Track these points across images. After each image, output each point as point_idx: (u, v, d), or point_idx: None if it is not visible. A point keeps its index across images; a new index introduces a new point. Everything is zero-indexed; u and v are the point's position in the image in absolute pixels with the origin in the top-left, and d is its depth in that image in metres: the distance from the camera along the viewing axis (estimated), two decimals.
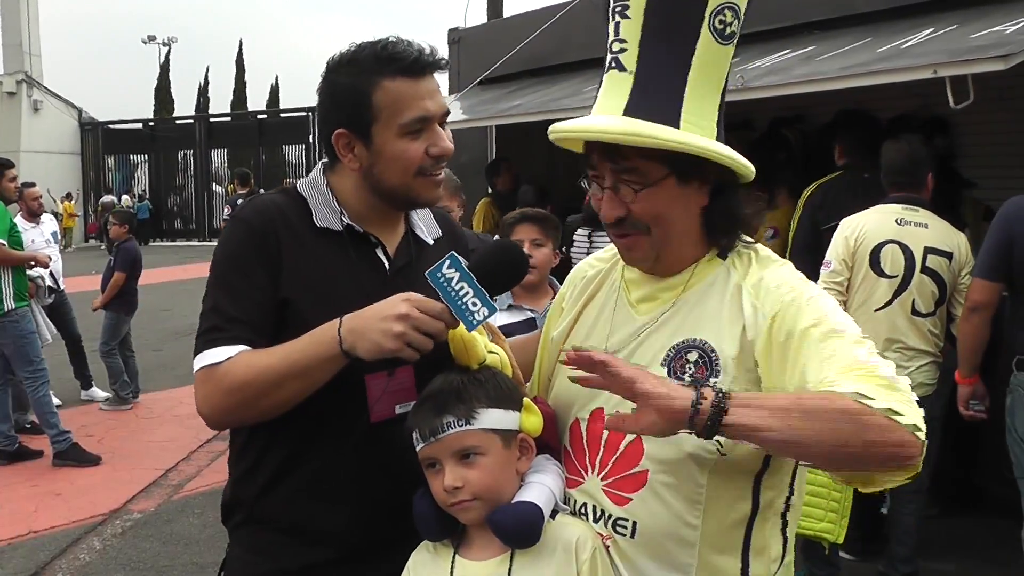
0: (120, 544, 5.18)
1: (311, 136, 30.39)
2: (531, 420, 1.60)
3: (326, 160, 1.85)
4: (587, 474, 1.58)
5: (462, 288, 1.55)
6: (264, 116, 35.57)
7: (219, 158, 34.12)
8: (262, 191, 1.86)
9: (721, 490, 1.48)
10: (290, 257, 1.73)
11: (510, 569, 1.51)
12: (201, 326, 1.72)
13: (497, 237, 3.92)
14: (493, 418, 1.55)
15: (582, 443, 1.60)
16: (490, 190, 7.77)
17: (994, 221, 3.65)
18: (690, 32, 1.47)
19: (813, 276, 3.60)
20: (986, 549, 4.62)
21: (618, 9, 1.50)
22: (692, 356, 1.50)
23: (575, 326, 1.71)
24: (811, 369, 1.37)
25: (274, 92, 48.92)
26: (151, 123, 37.24)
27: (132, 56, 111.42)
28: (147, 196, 32.99)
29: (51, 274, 7.34)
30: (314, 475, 1.75)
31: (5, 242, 6.40)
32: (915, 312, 4.00)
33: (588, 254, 5.89)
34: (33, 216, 7.87)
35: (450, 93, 8.34)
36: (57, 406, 6.85)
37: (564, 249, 5.27)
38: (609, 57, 1.52)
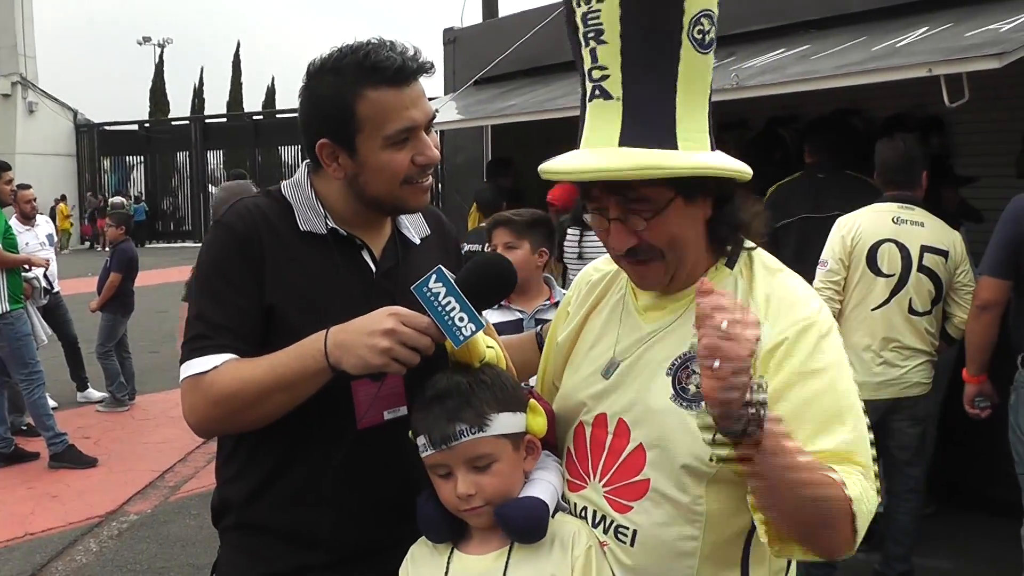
0: (116, 546, 5.18)
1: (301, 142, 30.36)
2: (537, 421, 1.59)
3: (310, 161, 1.81)
4: (589, 479, 1.57)
5: (449, 303, 1.52)
6: (260, 117, 35.55)
7: (215, 159, 34.09)
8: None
9: (720, 501, 1.47)
10: (274, 262, 1.70)
11: (507, 564, 1.52)
12: (187, 333, 1.69)
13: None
14: (504, 423, 1.54)
15: (585, 448, 1.59)
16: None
17: (1001, 218, 3.62)
18: (671, 49, 1.41)
19: None
20: (982, 547, 4.62)
21: (591, 35, 1.43)
22: (697, 367, 1.49)
23: (582, 331, 1.69)
24: (804, 429, 1.38)
25: (270, 93, 48.79)
26: (146, 124, 37.22)
27: (127, 58, 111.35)
28: (143, 198, 32.95)
29: (45, 276, 7.33)
30: (302, 481, 1.73)
31: None
32: (912, 311, 4.00)
33: (578, 255, 5.83)
34: (27, 219, 7.86)
35: (445, 93, 8.34)
36: (53, 408, 6.85)
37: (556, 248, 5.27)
38: (591, 85, 1.45)
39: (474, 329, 1.53)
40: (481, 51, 7.87)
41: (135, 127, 35.75)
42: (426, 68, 1.72)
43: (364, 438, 1.71)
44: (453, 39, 8.55)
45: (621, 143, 1.41)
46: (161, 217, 34.09)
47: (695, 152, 1.43)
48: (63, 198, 29.92)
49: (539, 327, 2.09)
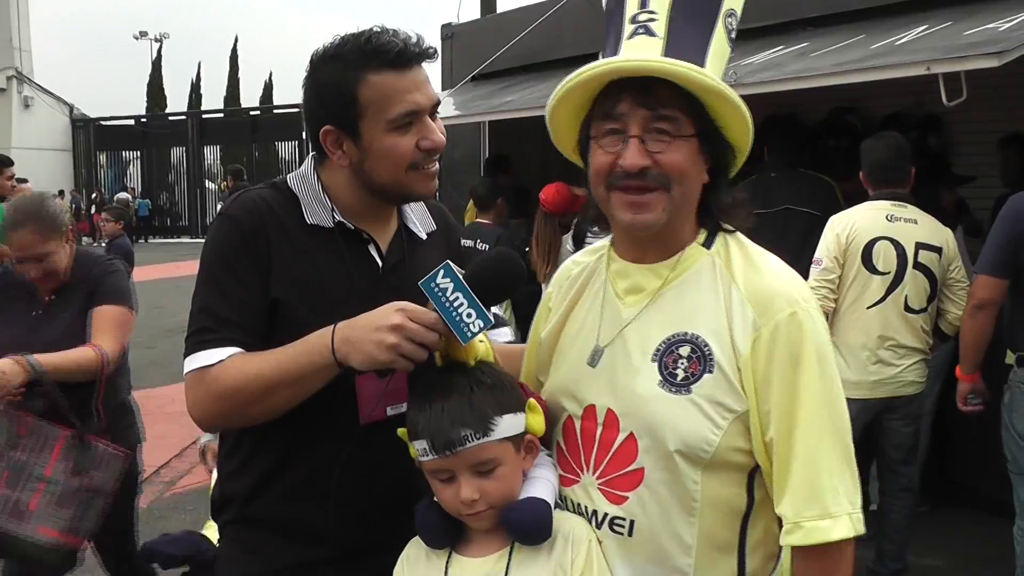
0: None
1: (304, 133, 30.32)
2: (537, 420, 1.58)
3: (316, 154, 1.80)
4: (582, 473, 1.56)
5: (456, 299, 1.50)
6: (257, 112, 35.54)
7: (212, 155, 34.08)
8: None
9: (716, 487, 1.47)
10: (280, 256, 1.69)
11: (508, 565, 1.50)
12: (191, 326, 1.68)
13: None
14: (507, 425, 1.52)
15: (576, 441, 1.58)
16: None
17: (999, 217, 3.62)
18: (709, 22, 1.49)
19: None
20: (976, 545, 4.63)
21: None
22: (684, 351, 1.49)
23: (565, 325, 1.69)
24: (797, 459, 1.43)
25: (267, 88, 48.79)
26: (143, 119, 37.15)
27: (124, 52, 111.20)
28: (139, 193, 32.92)
29: None
30: (304, 476, 1.73)
31: None
32: (908, 309, 4.00)
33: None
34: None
35: (443, 88, 8.32)
36: None
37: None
38: (633, 27, 1.49)
39: (482, 326, 1.51)
40: (479, 47, 7.87)
41: (131, 122, 35.71)
42: (429, 54, 1.72)
43: (368, 434, 1.70)
44: (451, 34, 8.54)
45: (664, 55, 1.47)
46: (158, 213, 34.02)
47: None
48: (61, 193, 29.82)
49: None
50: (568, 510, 1.58)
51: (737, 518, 1.50)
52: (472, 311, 1.50)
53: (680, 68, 1.42)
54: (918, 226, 4.02)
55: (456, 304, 1.50)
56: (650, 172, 1.46)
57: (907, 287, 3.98)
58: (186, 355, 1.67)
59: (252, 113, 35.55)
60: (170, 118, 37.14)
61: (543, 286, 5.85)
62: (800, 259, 3.94)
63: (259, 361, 1.62)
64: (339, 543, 1.73)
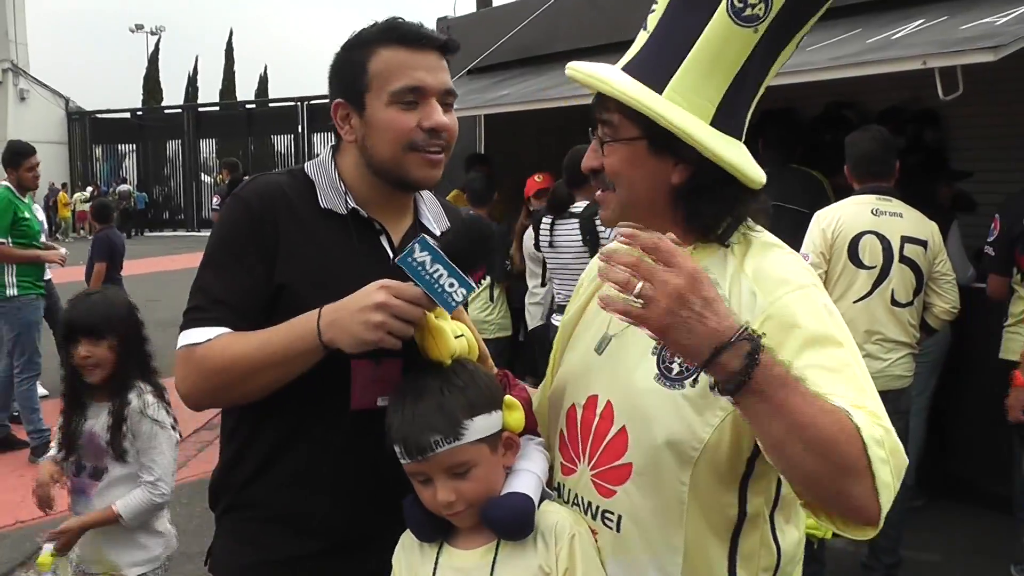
0: None
1: (300, 126, 30.28)
2: (514, 416, 1.57)
3: (335, 143, 1.82)
4: (579, 462, 1.55)
5: (436, 270, 1.51)
6: (253, 106, 35.46)
7: (208, 148, 34.01)
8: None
9: (705, 491, 1.44)
10: (288, 243, 1.69)
11: (494, 560, 1.50)
12: (188, 302, 1.70)
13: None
14: (479, 427, 1.50)
15: (576, 430, 1.57)
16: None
17: (998, 216, 3.66)
18: (707, 8, 1.44)
19: None
20: (971, 540, 4.64)
21: None
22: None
23: (584, 312, 1.69)
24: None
25: (263, 82, 48.68)
26: (139, 113, 37.08)
27: (120, 45, 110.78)
28: (135, 186, 32.88)
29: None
30: (302, 463, 1.73)
31: (6, 241, 6.30)
32: (894, 302, 3.99)
33: (550, 243, 5.88)
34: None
35: None
36: (43, 396, 6.80)
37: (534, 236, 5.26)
38: (648, 16, 1.52)
39: (465, 293, 1.51)
40: (474, 40, 7.85)
41: (127, 115, 35.63)
42: (447, 45, 1.73)
43: (362, 422, 1.69)
44: (446, 28, 8.53)
45: (625, 68, 1.49)
46: (153, 206, 33.97)
47: (674, 107, 1.43)
48: (64, 186, 29.77)
49: None
50: (566, 500, 1.57)
51: (728, 528, 1.47)
52: (453, 280, 1.51)
53: (595, 79, 1.46)
54: (903, 220, 4.02)
55: (436, 276, 1.51)
56: (601, 174, 1.52)
57: (893, 281, 3.97)
58: (180, 330, 1.68)
59: (248, 107, 35.43)
60: (166, 111, 37.06)
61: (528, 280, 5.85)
62: None
63: (246, 342, 1.62)
64: (333, 536, 1.73)
